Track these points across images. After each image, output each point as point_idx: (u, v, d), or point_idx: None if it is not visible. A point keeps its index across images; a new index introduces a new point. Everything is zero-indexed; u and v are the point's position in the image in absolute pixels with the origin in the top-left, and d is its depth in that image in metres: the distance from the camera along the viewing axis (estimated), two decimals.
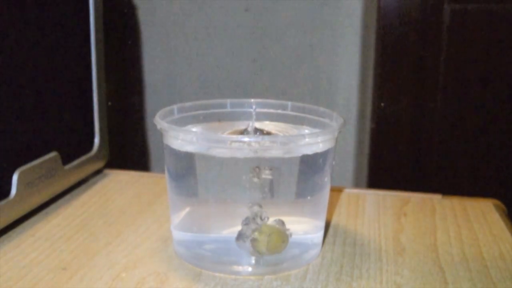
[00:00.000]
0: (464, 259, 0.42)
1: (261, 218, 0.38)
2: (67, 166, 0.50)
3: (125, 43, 1.13)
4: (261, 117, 0.46)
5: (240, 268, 0.39)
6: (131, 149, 1.16)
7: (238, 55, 1.07)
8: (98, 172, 0.58)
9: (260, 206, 0.38)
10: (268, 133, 0.44)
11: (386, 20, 0.84)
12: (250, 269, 0.39)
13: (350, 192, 0.55)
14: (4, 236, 0.44)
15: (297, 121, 0.45)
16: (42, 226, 0.46)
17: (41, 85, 0.47)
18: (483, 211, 0.51)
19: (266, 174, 0.38)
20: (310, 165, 0.39)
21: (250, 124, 0.44)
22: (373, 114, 0.88)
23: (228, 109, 0.46)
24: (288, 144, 0.38)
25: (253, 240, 0.38)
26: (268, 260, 0.39)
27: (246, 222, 0.38)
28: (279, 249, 0.39)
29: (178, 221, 0.41)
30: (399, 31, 0.85)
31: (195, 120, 0.45)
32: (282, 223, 0.39)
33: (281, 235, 0.38)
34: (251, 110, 0.46)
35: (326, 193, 0.41)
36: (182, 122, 0.44)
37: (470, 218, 0.49)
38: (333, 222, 0.48)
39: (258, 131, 0.43)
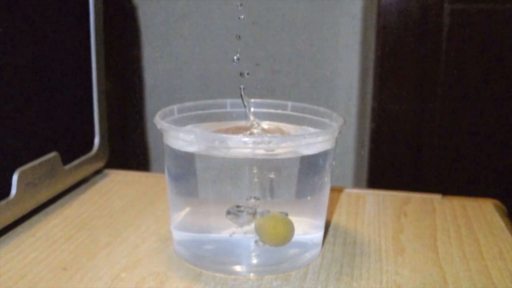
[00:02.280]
0: (464, 259, 0.42)
1: (255, 212, 0.38)
2: (67, 166, 0.50)
3: (125, 43, 1.13)
4: (261, 117, 0.46)
5: (240, 268, 0.39)
6: (131, 149, 1.16)
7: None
8: (98, 172, 0.58)
9: (258, 198, 0.38)
10: (268, 133, 0.44)
11: (386, 20, 0.84)
12: (250, 269, 0.39)
13: (350, 192, 0.55)
14: (4, 236, 0.44)
15: (297, 121, 0.45)
16: (42, 226, 0.46)
17: (41, 85, 0.47)
18: (483, 211, 0.51)
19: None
20: (310, 165, 0.39)
21: (251, 118, 0.44)
22: (373, 114, 0.88)
23: (228, 109, 0.46)
24: (288, 144, 0.38)
25: (258, 227, 0.38)
26: (268, 260, 0.39)
27: (229, 211, 0.38)
28: (284, 236, 0.39)
29: (178, 221, 0.41)
30: (399, 31, 0.85)
31: (195, 120, 0.45)
32: (286, 214, 0.39)
33: (286, 222, 0.38)
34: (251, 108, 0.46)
35: (326, 193, 0.41)
36: (182, 122, 0.44)
37: (470, 218, 0.49)
38: (333, 222, 0.48)
39: (258, 125, 0.43)
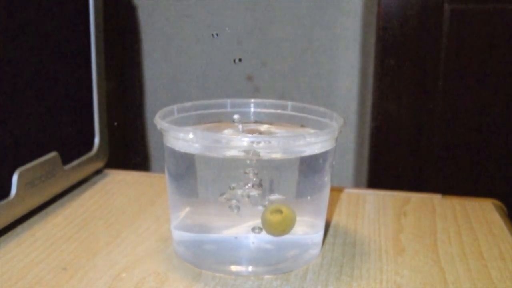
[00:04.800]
0: (464, 259, 0.42)
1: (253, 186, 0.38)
2: (67, 166, 0.50)
3: (125, 43, 1.13)
4: (261, 117, 0.46)
5: (240, 268, 0.39)
6: (131, 149, 1.16)
7: (238, 55, 1.07)
8: (98, 172, 0.58)
9: (256, 173, 0.38)
10: (268, 133, 0.44)
11: (386, 20, 0.84)
12: (250, 269, 0.39)
13: (350, 192, 0.55)
14: (4, 236, 0.44)
15: (297, 121, 0.45)
16: (42, 226, 0.46)
17: (41, 85, 0.47)
18: (483, 211, 0.51)
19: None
20: (310, 165, 0.39)
21: (241, 126, 0.44)
22: (373, 114, 0.88)
23: (228, 109, 0.46)
24: (288, 144, 0.38)
25: (267, 224, 0.38)
26: (268, 260, 0.39)
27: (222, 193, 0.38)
28: (288, 232, 0.39)
29: (178, 221, 0.41)
30: (399, 31, 0.85)
31: (195, 120, 0.45)
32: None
33: (293, 221, 0.39)
34: (250, 110, 0.46)
35: (326, 193, 0.41)
36: (182, 122, 0.44)
37: (470, 218, 0.49)
38: (333, 222, 0.48)
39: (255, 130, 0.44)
